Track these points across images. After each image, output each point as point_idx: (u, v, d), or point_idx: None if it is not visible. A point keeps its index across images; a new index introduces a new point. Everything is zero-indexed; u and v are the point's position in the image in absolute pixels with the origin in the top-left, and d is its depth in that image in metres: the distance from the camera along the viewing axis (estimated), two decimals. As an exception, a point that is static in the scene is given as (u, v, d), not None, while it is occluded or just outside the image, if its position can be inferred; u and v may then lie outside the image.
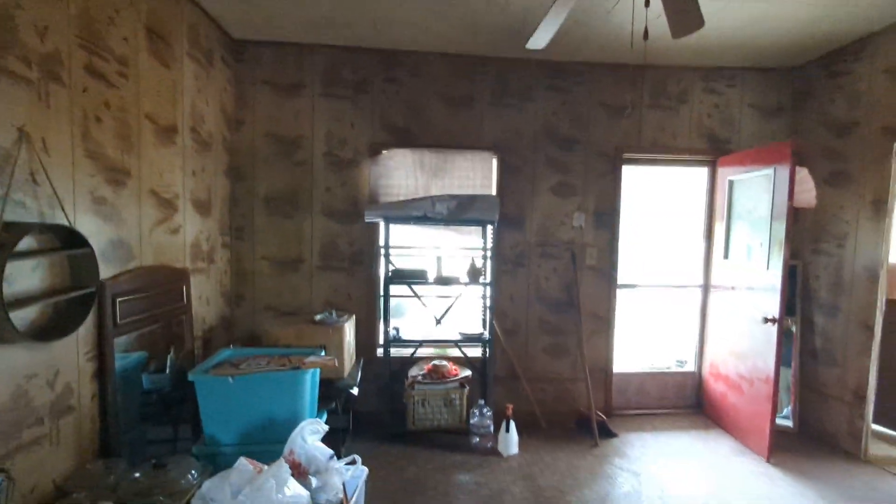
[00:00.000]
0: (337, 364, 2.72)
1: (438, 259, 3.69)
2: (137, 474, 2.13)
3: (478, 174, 3.86)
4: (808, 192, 3.51)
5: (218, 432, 2.57)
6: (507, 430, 3.33)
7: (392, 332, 3.64)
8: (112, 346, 2.33)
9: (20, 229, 1.74)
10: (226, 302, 3.70)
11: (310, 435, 2.30)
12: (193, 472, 2.30)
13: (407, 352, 3.87)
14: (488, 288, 3.65)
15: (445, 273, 3.69)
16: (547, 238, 3.91)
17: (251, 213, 3.79)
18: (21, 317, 1.81)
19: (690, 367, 4.48)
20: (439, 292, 4.05)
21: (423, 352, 3.94)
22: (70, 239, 2.01)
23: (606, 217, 3.95)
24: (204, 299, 3.33)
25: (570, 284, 3.92)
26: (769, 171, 3.36)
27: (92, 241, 2.11)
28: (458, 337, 3.66)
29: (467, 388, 3.63)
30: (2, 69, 1.70)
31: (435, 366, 3.62)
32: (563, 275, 3.93)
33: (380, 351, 3.85)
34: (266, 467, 2.00)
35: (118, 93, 2.35)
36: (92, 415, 2.23)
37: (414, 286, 3.73)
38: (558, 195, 3.91)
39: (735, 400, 3.72)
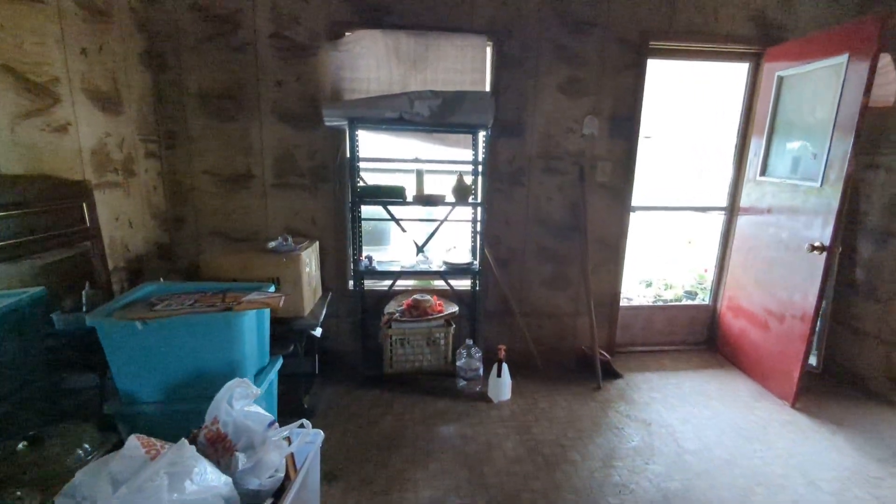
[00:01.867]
0: (282, 304, 2.07)
1: (419, 174, 2.95)
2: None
3: (468, 66, 3.02)
4: (888, 85, 2.75)
5: (134, 387, 1.97)
6: (499, 374, 2.79)
7: (364, 262, 2.99)
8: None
9: None
10: (160, 225, 2.98)
11: (239, 399, 1.70)
12: (86, 446, 1.72)
13: (385, 284, 3.25)
14: (479, 210, 2.96)
15: (428, 191, 2.97)
16: (551, 149, 3.16)
17: (183, 113, 2.95)
18: None
19: (703, 299, 3.95)
20: (422, 215, 3.37)
21: (403, 284, 3.33)
22: None
23: (624, 124, 3.19)
24: (124, 221, 2.60)
25: (576, 205, 3.23)
26: (840, 59, 2.58)
27: None
28: (443, 267, 3.02)
29: (453, 326, 3.05)
30: None
31: (416, 301, 3.01)
32: (568, 194, 3.23)
33: (352, 284, 3.22)
34: (166, 449, 1.40)
35: None
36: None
37: (390, 207, 3.03)
38: (567, 95, 3.11)
39: (757, 337, 3.21)
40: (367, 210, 3.05)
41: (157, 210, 2.94)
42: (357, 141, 3.04)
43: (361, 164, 3.13)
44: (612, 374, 3.20)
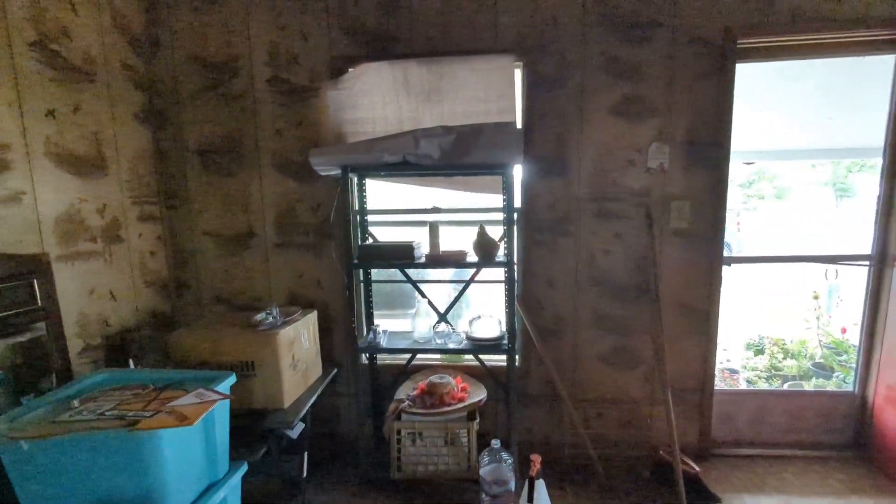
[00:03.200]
0: (190, 419, 1.54)
1: (432, 228, 2.35)
2: None
3: (492, 94, 2.41)
4: None
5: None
6: (531, 499, 2.01)
7: (370, 336, 2.42)
8: None
9: None
10: (158, 292, 2.68)
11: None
12: None
13: (404, 357, 2.65)
14: (513, 268, 2.27)
15: (447, 247, 2.36)
16: (605, 188, 2.41)
17: (183, 171, 2.68)
18: None
19: (845, 380, 2.82)
20: (448, 275, 2.77)
21: (425, 357, 2.70)
22: None
23: (706, 149, 2.35)
24: (102, 293, 2.29)
25: (643, 259, 2.42)
26: None
27: None
28: (464, 343, 2.35)
29: (477, 419, 2.35)
30: None
31: (431, 385, 2.35)
32: (631, 244, 2.43)
33: (366, 357, 2.66)
34: None
35: None
36: None
37: (403, 269, 2.46)
38: (624, 118, 2.36)
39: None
40: (382, 270, 2.51)
41: (154, 276, 2.64)
42: (364, 191, 2.55)
43: (371, 217, 2.63)
44: (703, 494, 2.25)
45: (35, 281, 1.95)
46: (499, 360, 2.58)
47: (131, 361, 2.22)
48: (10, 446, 1.44)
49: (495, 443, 2.11)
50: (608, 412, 2.58)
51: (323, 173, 2.32)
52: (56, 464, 1.48)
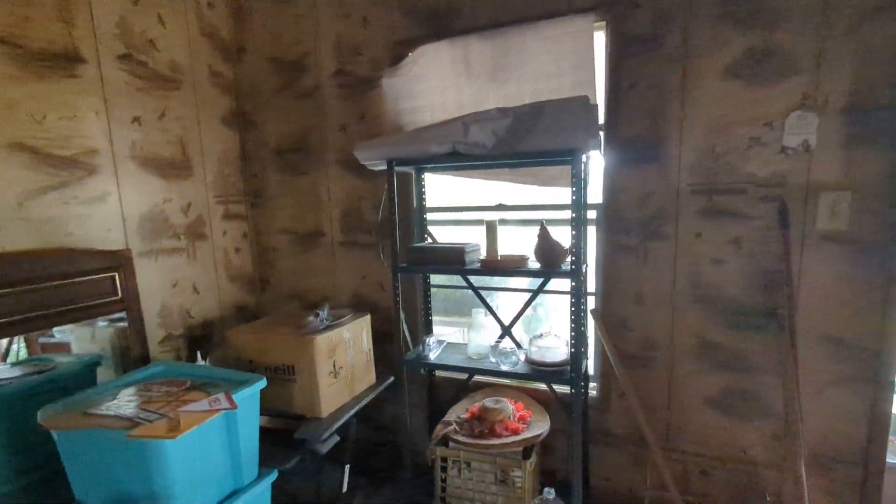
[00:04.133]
0: (176, 432, 1.43)
1: (489, 228, 2.00)
2: None
3: (566, 65, 1.96)
4: None
5: (84, 494, 1.61)
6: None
7: (420, 347, 2.17)
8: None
9: None
10: (242, 287, 2.78)
11: None
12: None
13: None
14: (580, 279, 1.82)
15: (507, 252, 2.00)
16: (718, 176, 1.79)
17: (264, 171, 2.74)
18: None
19: None
20: (523, 282, 2.40)
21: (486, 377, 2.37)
22: None
23: (881, 118, 1.60)
24: (185, 286, 2.43)
25: (771, 272, 1.75)
26: None
27: None
28: (518, 366, 1.96)
29: (534, 458, 1.94)
30: None
31: (484, 410, 2.02)
32: (754, 252, 1.77)
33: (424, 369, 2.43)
34: None
35: None
36: None
37: (455, 274, 2.16)
38: (746, 81, 1.71)
39: None
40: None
41: (238, 272, 2.75)
42: (423, 186, 2.31)
43: (436, 216, 2.38)
44: None
45: (117, 274, 2.12)
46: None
47: (199, 354, 2.32)
48: (50, 432, 1.53)
49: (549, 492, 1.71)
50: (715, 472, 1.95)
51: (376, 168, 2.14)
52: (82, 453, 1.53)
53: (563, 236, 1.84)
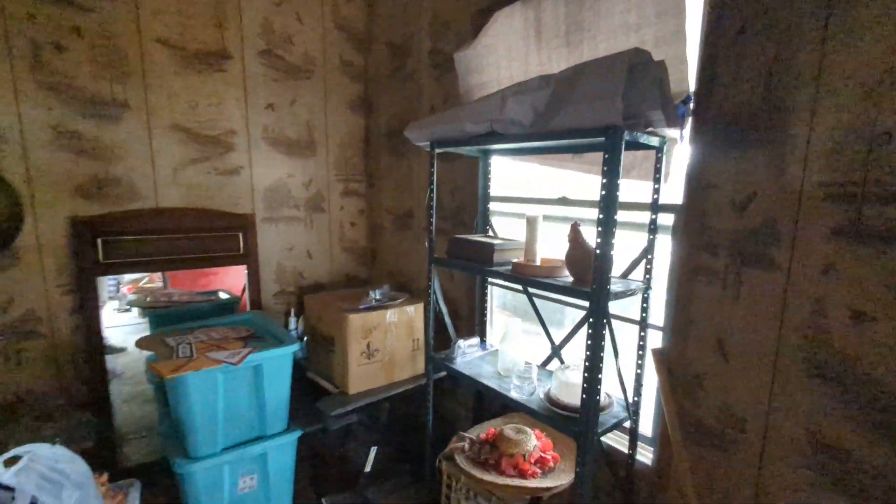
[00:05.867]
0: (175, 371, 1.57)
1: (530, 224, 1.62)
2: None
3: (649, 12, 1.37)
4: None
5: (167, 407, 2.02)
6: None
7: (451, 349, 1.93)
8: (94, 283, 2.16)
9: None
10: (355, 259, 3.00)
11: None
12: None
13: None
14: (598, 305, 1.29)
15: (544, 255, 1.59)
16: (875, 171, 0.99)
17: (377, 153, 2.85)
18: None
19: None
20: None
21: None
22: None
23: None
24: (300, 252, 2.76)
25: None
26: None
27: (55, 178, 1.97)
28: (533, 398, 1.53)
29: None
30: None
31: (501, 437, 1.67)
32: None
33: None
34: None
35: (96, 17, 2.04)
36: (74, 345, 2.14)
37: (487, 277, 1.81)
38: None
39: None
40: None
41: (352, 244, 2.98)
42: (488, 172, 2.04)
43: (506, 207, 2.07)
44: None
45: (241, 234, 2.55)
46: (621, 436, 1.59)
47: (292, 312, 2.61)
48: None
49: None
50: None
51: (418, 144, 1.97)
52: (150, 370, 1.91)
53: (636, 245, 1.35)
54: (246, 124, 2.50)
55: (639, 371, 1.51)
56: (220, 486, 1.82)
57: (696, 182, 1.33)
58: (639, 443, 1.56)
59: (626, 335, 1.60)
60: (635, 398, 1.51)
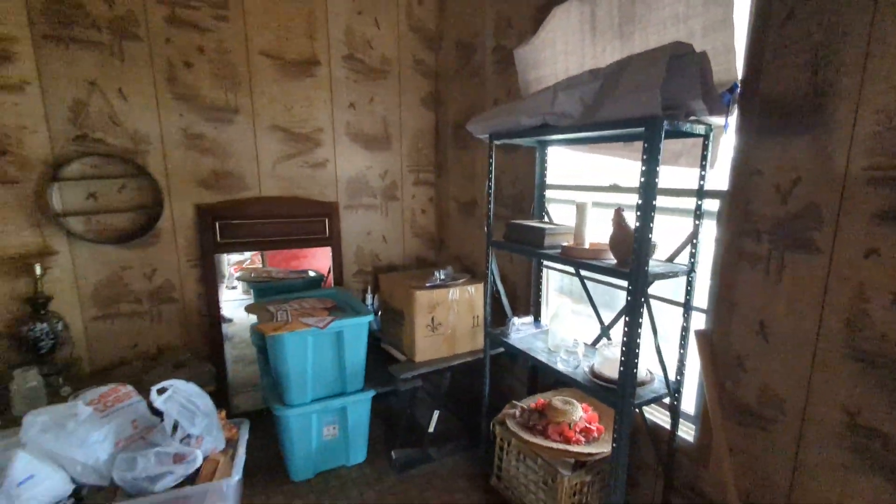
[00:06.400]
0: (274, 330, 1.86)
1: (579, 210, 1.70)
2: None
3: (697, 5, 1.38)
4: None
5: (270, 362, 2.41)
6: None
7: (506, 326, 2.06)
8: (213, 259, 2.59)
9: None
10: (425, 244, 3.23)
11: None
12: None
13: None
14: (639, 285, 1.36)
15: (591, 239, 1.68)
16: None
17: (445, 145, 3.04)
18: (109, 223, 2.34)
19: None
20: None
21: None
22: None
23: None
24: (376, 236, 3.04)
25: None
26: None
27: (185, 172, 2.41)
28: (577, 371, 1.62)
29: (584, 477, 1.61)
30: (69, 39, 2.14)
31: (549, 406, 1.80)
32: None
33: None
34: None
35: (215, 36, 2.42)
36: (198, 309, 2.60)
37: (541, 259, 1.91)
38: None
39: None
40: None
41: (422, 230, 3.21)
42: (545, 162, 2.14)
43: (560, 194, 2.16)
44: None
45: (327, 219, 2.88)
46: (665, 414, 1.64)
47: (369, 289, 2.90)
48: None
49: None
50: None
51: (479, 136, 2.11)
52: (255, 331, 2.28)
53: (684, 230, 1.42)
54: (331, 122, 2.81)
55: (682, 351, 1.56)
56: (309, 430, 2.15)
57: (741, 168, 1.35)
58: (682, 420, 1.62)
59: (671, 317, 1.65)
60: (678, 377, 1.56)
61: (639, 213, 1.33)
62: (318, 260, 3.50)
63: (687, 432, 1.61)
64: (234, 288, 4.04)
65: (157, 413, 1.78)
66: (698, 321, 1.55)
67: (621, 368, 1.41)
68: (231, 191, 2.59)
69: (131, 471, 1.60)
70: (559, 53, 1.94)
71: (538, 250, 1.77)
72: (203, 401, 1.81)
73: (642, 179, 1.32)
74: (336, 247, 2.92)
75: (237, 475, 1.72)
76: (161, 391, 1.70)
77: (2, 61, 2.02)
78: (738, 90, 1.33)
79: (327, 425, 2.21)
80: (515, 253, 2.23)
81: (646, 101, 1.26)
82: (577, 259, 1.61)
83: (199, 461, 1.69)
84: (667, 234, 1.65)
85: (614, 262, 1.53)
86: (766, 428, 1.34)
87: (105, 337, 2.39)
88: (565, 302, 1.88)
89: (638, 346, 1.38)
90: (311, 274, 3.22)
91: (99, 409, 1.72)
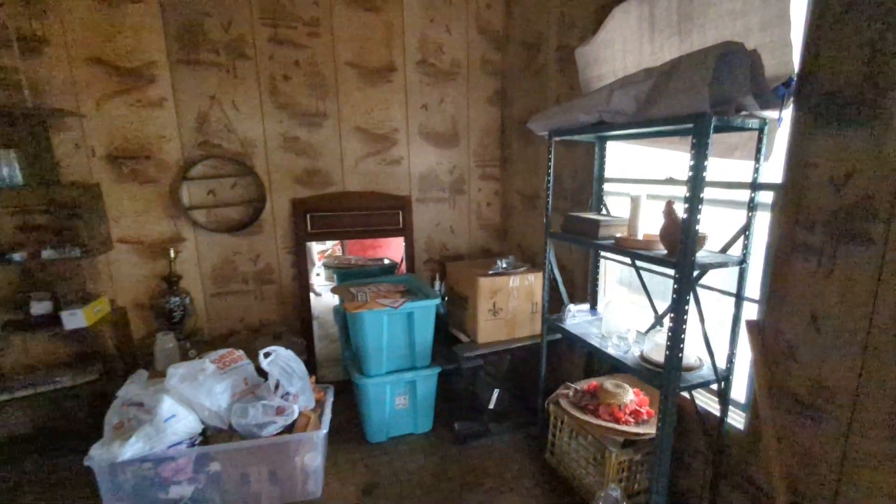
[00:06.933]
0: (356, 308, 2.11)
1: (633, 202, 1.76)
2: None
3: (754, 1, 1.39)
4: None
5: (350, 339, 2.72)
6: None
7: (562, 313, 2.16)
8: (304, 247, 2.95)
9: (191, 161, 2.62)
10: (490, 235, 3.39)
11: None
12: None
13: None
14: (686, 275, 1.40)
15: (646, 231, 1.73)
16: None
17: (511, 140, 3.15)
18: (224, 215, 2.77)
19: None
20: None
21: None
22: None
23: None
24: (445, 227, 3.25)
25: None
26: None
27: (283, 171, 2.79)
28: (628, 355, 1.69)
29: (632, 455, 1.69)
30: (195, 61, 2.56)
31: (601, 388, 1.89)
32: None
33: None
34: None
35: (309, 51, 2.75)
36: (292, 290, 2.98)
37: (597, 250, 1.98)
38: None
39: None
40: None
41: (487, 222, 3.37)
42: (604, 156, 2.20)
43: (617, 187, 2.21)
44: None
45: (401, 212, 3.13)
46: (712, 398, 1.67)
47: (437, 276, 3.11)
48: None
49: (613, 488, 1.61)
50: None
51: (540, 134, 2.21)
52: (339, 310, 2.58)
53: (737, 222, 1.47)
54: (406, 123, 3.05)
55: (733, 339, 1.58)
56: (383, 399, 2.42)
57: (796, 161, 1.35)
58: (733, 408, 1.64)
59: (726, 307, 1.67)
60: (728, 364, 1.59)
61: (686, 205, 1.39)
62: (392, 249, 3.79)
63: (738, 420, 1.63)
64: (318, 276, 4.50)
65: (262, 374, 2.14)
66: (751, 311, 1.57)
67: (667, 353, 1.49)
68: (320, 186, 2.93)
69: (244, 418, 1.95)
70: (618, 52, 1.99)
71: (592, 241, 1.86)
72: (298, 365, 2.14)
73: (690, 173, 1.38)
74: (409, 237, 3.17)
75: (325, 429, 2.02)
76: (267, 354, 2.04)
77: (147, 83, 2.49)
78: (794, 84, 1.34)
79: (399, 395, 2.47)
80: (571, 243, 2.32)
81: (694, 99, 1.32)
82: (629, 249, 1.69)
83: (296, 414, 2.01)
84: (722, 225, 1.67)
85: (664, 252, 1.59)
86: (816, 418, 1.35)
87: (220, 310, 2.85)
88: (621, 291, 1.95)
89: (684, 331, 1.44)
90: (386, 261, 3.52)
91: (219, 368, 2.11)
